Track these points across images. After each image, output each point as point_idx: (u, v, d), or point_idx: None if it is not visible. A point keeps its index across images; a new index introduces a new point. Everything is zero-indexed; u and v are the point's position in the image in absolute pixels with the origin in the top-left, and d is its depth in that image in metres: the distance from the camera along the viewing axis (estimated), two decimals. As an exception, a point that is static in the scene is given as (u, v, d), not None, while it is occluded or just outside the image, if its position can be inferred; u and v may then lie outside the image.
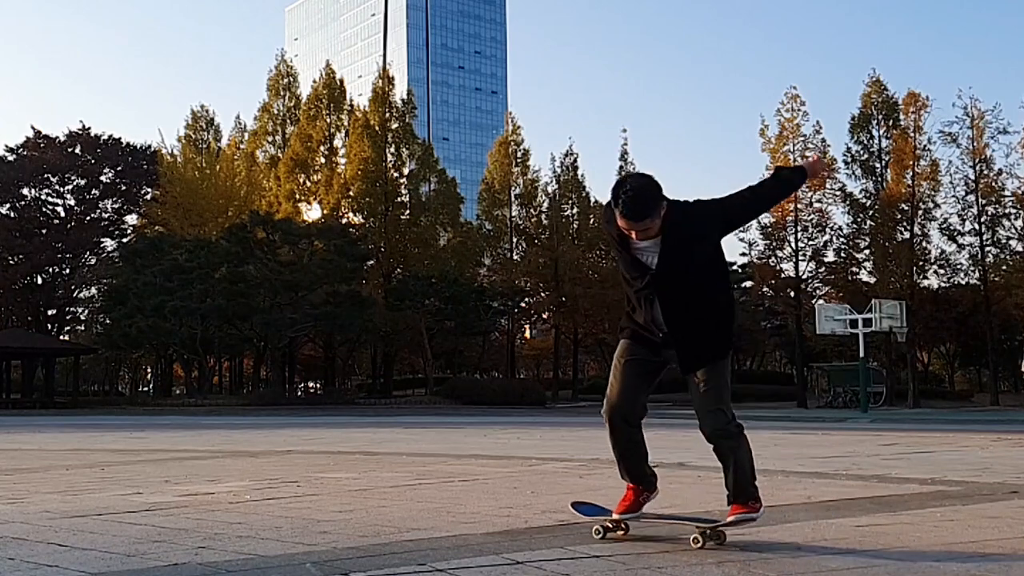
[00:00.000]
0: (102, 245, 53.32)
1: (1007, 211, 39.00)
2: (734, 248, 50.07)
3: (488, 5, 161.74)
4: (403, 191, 48.27)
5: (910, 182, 38.13)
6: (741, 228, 38.22)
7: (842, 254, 40.59)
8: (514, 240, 48.34)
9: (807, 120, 43.05)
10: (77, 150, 51.98)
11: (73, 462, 8.03)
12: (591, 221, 48.67)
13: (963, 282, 40.85)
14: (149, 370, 65.65)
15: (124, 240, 52.49)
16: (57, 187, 51.58)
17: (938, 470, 6.40)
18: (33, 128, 53.11)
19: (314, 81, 51.84)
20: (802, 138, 39.14)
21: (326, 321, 40.75)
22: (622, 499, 3.68)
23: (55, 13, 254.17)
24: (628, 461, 3.68)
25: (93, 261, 53.05)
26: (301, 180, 49.54)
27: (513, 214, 48.25)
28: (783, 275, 40.37)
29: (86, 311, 56.89)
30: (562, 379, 52.88)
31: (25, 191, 51.23)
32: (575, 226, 48.18)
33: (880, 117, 40.11)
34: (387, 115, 47.72)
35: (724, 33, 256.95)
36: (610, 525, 3.64)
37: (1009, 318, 40.76)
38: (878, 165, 40.00)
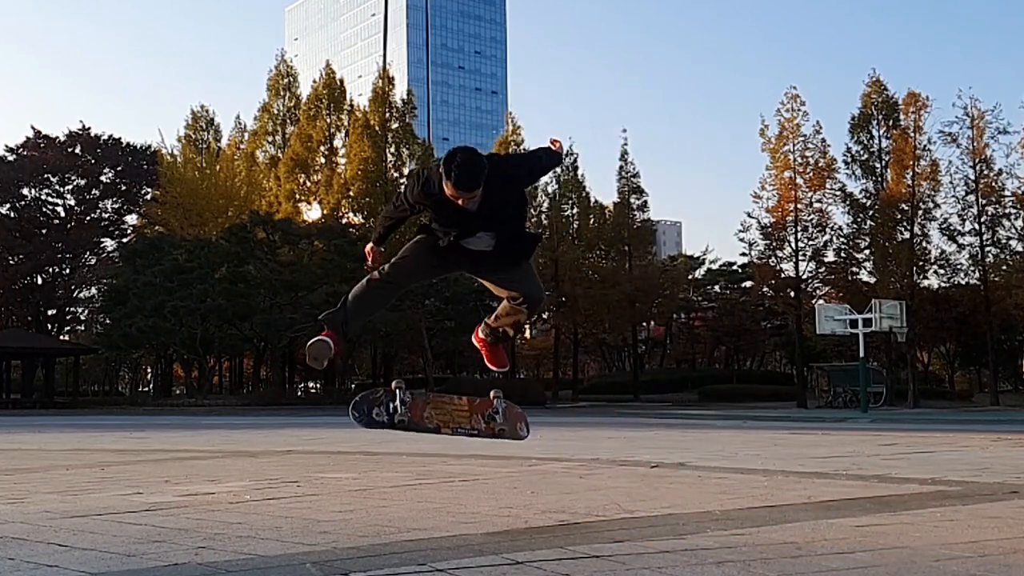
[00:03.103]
0: (102, 245, 53.33)
1: (1007, 211, 39.03)
2: (734, 248, 50.24)
3: (488, 5, 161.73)
4: (403, 192, 48.29)
5: (910, 182, 38.14)
6: (741, 229, 38.00)
7: (842, 254, 40.61)
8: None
9: (807, 120, 43.12)
10: (77, 150, 51.98)
11: (73, 462, 8.03)
12: (591, 221, 48.67)
13: (963, 282, 40.88)
14: (149, 370, 65.68)
15: (124, 240, 52.51)
16: (57, 187, 51.58)
17: (938, 470, 6.40)
18: (33, 128, 53.15)
19: (314, 81, 51.83)
20: (802, 138, 39.18)
21: (326, 321, 40.74)
22: (325, 334, 4.39)
23: (55, 13, 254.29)
24: (364, 315, 4.45)
25: (93, 261, 53.06)
26: (301, 180, 49.53)
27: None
28: (783, 275, 40.38)
29: (86, 311, 56.92)
30: (562, 379, 52.88)
31: (25, 191, 51.22)
32: (575, 226, 48.16)
33: (880, 117, 40.12)
34: (387, 115, 47.70)
35: (724, 33, 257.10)
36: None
37: (1009, 318, 40.76)
38: (878, 165, 40.01)
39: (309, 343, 4.44)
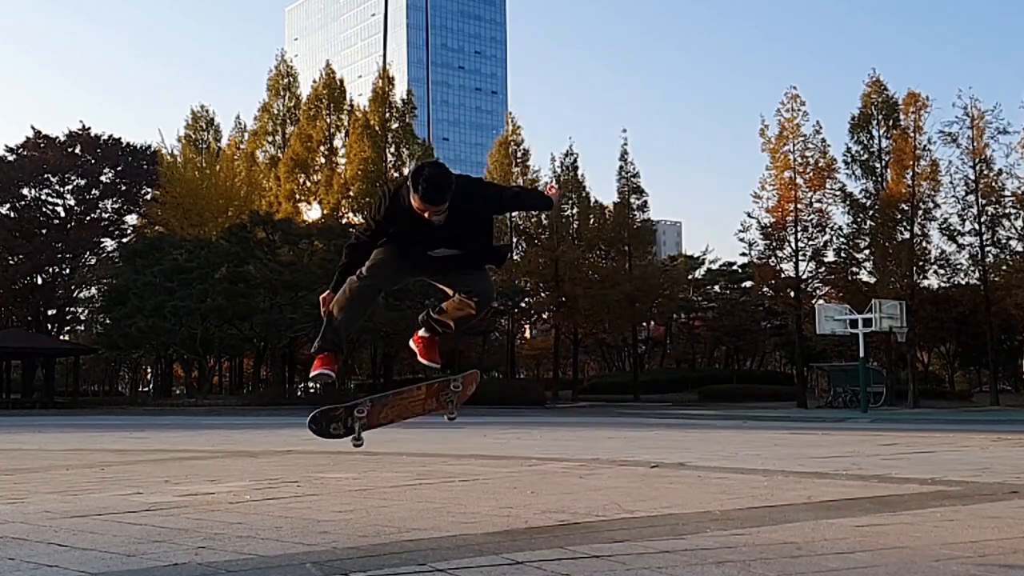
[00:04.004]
0: (102, 245, 53.31)
1: (1007, 211, 39.04)
2: (734, 248, 50.23)
3: (488, 5, 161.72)
4: (404, 191, 48.25)
5: (910, 182, 38.14)
6: (741, 229, 37.97)
7: (842, 254, 40.62)
8: (514, 240, 48.37)
9: (807, 120, 43.17)
10: (77, 150, 51.96)
11: (73, 462, 8.03)
12: (591, 221, 48.68)
13: (963, 282, 40.89)
14: (149, 370, 65.67)
15: (124, 240, 52.50)
16: (57, 187, 51.56)
17: (938, 470, 6.40)
18: (33, 128, 53.14)
19: (314, 81, 51.83)
20: (802, 138, 39.20)
21: (326, 321, 40.77)
22: (322, 364, 4.48)
23: (55, 13, 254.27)
24: (355, 322, 4.52)
25: (93, 261, 53.04)
26: (301, 180, 49.53)
27: (513, 214, 48.24)
28: (783, 275, 40.39)
29: (86, 311, 56.90)
30: (562, 379, 52.88)
31: (25, 191, 51.21)
32: (575, 226, 48.18)
33: (880, 117, 40.12)
34: (387, 115, 47.71)
35: (724, 33, 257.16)
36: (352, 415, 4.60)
37: (1009, 318, 40.77)
38: (878, 165, 40.01)
39: (311, 375, 4.58)
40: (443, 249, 4.32)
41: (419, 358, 4.81)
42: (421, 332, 4.85)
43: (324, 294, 4.51)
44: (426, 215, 4.03)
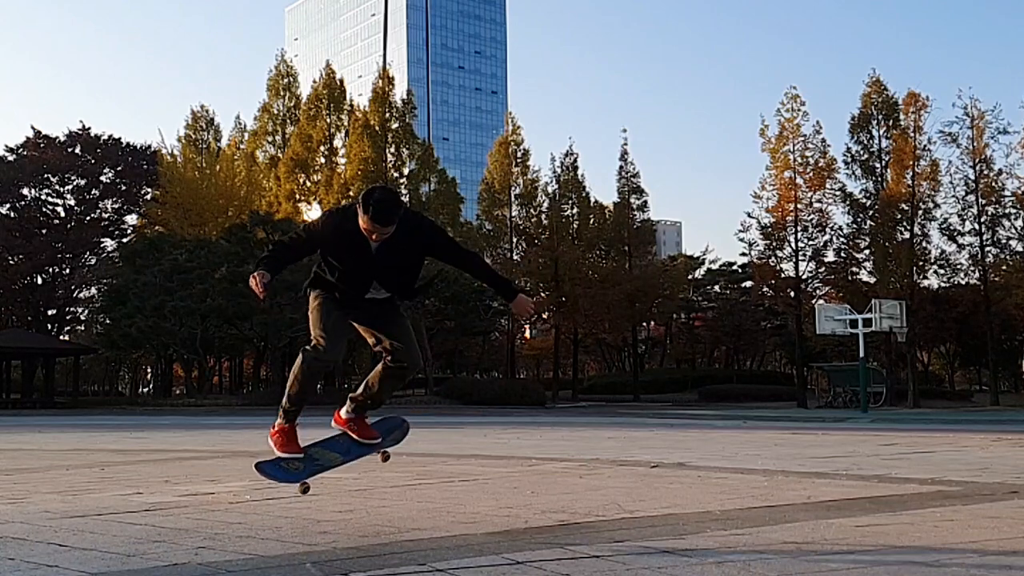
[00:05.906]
0: (102, 245, 53.30)
1: (1007, 211, 38.99)
2: (735, 248, 50.13)
3: (488, 5, 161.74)
4: (403, 191, 48.25)
5: (910, 182, 38.13)
6: (741, 229, 37.84)
7: (842, 254, 40.60)
8: (514, 240, 48.39)
9: (807, 120, 43.02)
10: (77, 150, 51.96)
11: (73, 462, 8.03)
12: (591, 221, 48.67)
13: (963, 282, 40.86)
14: (149, 370, 65.67)
15: (124, 240, 52.50)
16: (57, 187, 51.55)
17: (938, 470, 6.40)
18: (33, 128, 53.15)
19: (314, 81, 51.83)
20: (802, 138, 39.17)
21: (326, 321, 40.78)
22: (287, 442, 4.46)
23: (55, 13, 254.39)
24: (311, 393, 4.58)
25: (93, 261, 53.02)
26: (301, 180, 49.52)
27: (513, 214, 48.26)
28: (783, 275, 40.37)
29: (86, 311, 56.87)
30: (562, 379, 52.88)
31: (25, 191, 51.21)
32: (575, 226, 48.18)
33: (880, 117, 40.08)
34: (387, 115, 47.67)
35: (724, 33, 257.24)
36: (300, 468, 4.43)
37: (1009, 318, 40.75)
38: (878, 165, 39.98)
39: (278, 455, 4.45)
40: (373, 292, 4.36)
41: (358, 439, 4.58)
42: (343, 412, 4.65)
43: (258, 273, 4.30)
44: (373, 237, 4.11)
